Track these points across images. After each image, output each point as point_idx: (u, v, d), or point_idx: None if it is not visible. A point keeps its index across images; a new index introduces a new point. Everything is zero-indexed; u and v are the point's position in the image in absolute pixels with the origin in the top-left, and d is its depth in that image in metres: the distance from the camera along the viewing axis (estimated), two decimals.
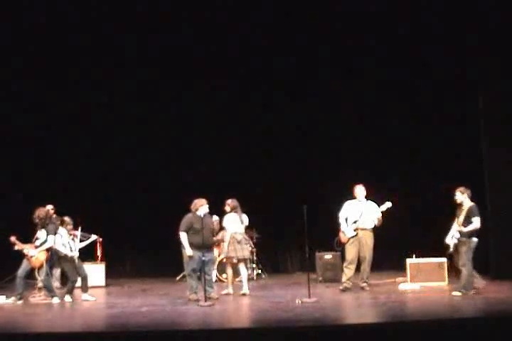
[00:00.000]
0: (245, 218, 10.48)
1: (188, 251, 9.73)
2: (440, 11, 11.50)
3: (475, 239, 9.50)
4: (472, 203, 9.58)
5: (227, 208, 10.47)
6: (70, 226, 10.29)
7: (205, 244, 9.57)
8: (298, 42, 12.38)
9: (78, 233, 10.52)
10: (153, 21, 12.05)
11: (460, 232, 9.46)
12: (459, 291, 9.46)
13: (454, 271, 10.38)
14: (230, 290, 10.43)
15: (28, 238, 10.14)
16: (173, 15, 12.03)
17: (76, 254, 10.23)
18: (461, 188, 9.63)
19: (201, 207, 9.79)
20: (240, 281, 10.65)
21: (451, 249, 9.64)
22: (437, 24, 11.68)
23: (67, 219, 10.28)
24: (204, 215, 9.72)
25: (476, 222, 9.43)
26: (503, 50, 11.29)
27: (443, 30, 11.74)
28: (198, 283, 9.71)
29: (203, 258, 9.58)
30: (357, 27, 12.04)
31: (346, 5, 11.71)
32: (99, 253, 11.89)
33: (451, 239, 9.62)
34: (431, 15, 11.63)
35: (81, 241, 10.65)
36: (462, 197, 9.59)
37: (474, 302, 9.00)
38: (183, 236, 9.77)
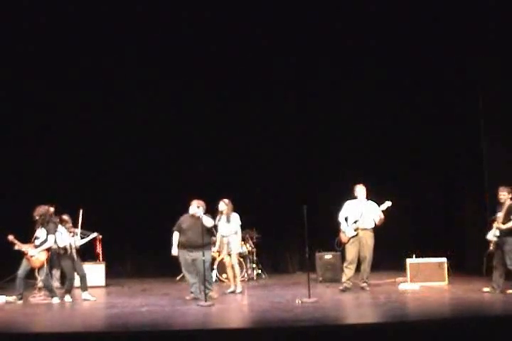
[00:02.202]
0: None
1: (172, 250, 9.95)
2: (440, 10, 11.50)
3: None
4: None
5: (227, 208, 10.53)
6: (69, 224, 10.29)
7: (188, 244, 9.68)
8: (298, 42, 12.37)
9: (78, 230, 10.52)
10: (153, 21, 12.05)
11: (499, 229, 9.48)
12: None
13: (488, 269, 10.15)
14: (234, 289, 10.59)
15: (27, 238, 10.15)
16: (173, 16, 12.03)
17: (78, 244, 10.25)
18: (504, 188, 9.64)
19: (190, 206, 9.85)
20: (242, 281, 10.75)
21: (491, 248, 9.61)
22: (437, 24, 11.69)
23: (65, 217, 10.29)
24: (193, 215, 9.72)
25: None
26: (503, 50, 11.29)
27: (443, 30, 11.74)
28: (194, 283, 9.74)
29: (190, 258, 9.65)
30: (357, 27, 12.04)
31: (346, 5, 11.71)
32: (98, 250, 11.89)
33: (492, 236, 9.61)
34: (431, 16, 11.63)
35: (81, 238, 10.66)
36: (507, 197, 9.59)
37: (474, 302, 9.00)
38: (174, 235, 9.97)
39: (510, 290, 9.49)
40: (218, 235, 10.70)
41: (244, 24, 12.21)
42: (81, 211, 10.71)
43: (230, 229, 10.59)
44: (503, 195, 9.61)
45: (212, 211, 10.24)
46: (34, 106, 12.73)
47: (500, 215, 9.55)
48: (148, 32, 12.21)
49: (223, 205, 10.57)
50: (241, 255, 12.08)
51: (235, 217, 10.63)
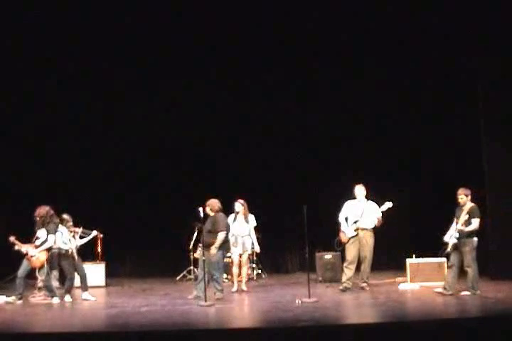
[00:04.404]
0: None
1: None
2: (440, 10, 11.49)
3: (476, 239, 9.54)
4: (473, 204, 9.60)
5: (243, 208, 10.83)
6: (70, 223, 10.30)
7: (203, 243, 9.78)
8: (298, 42, 12.36)
9: (79, 230, 10.53)
10: (153, 21, 12.04)
11: (460, 232, 9.48)
12: (468, 291, 9.47)
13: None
14: (238, 287, 10.71)
15: (28, 238, 10.15)
16: (173, 15, 12.03)
17: (79, 244, 10.25)
18: (463, 190, 9.63)
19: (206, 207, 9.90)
20: (240, 281, 10.84)
21: (449, 249, 9.62)
22: (437, 24, 11.68)
23: (66, 216, 10.30)
24: (207, 215, 9.74)
25: (475, 223, 9.46)
26: (503, 50, 11.29)
27: (443, 30, 11.73)
28: (201, 280, 9.73)
29: (203, 257, 9.67)
30: (357, 27, 12.03)
31: (346, 5, 11.70)
32: (99, 249, 11.90)
33: (449, 238, 9.64)
34: (431, 15, 11.62)
35: (81, 237, 10.65)
36: (466, 199, 9.62)
37: (474, 302, 9.01)
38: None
39: (464, 292, 9.49)
40: (229, 234, 10.75)
41: (245, 23, 12.18)
42: (80, 229, 10.66)
43: (246, 229, 10.88)
44: (461, 198, 9.60)
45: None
46: (34, 106, 12.72)
47: (462, 219, 9.48)
48: (148, 32, 12.19)
49: (239, 206, 10.87)
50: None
51: (252, 218, 10.97)
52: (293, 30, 12.13)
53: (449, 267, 9.69)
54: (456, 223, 9.63)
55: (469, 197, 9.63)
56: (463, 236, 9.48)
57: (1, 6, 11.06)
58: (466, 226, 9.46)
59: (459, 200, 9.64)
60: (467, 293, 9.46)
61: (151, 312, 8.73)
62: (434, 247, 11.47)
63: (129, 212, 13.09)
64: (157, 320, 8.09)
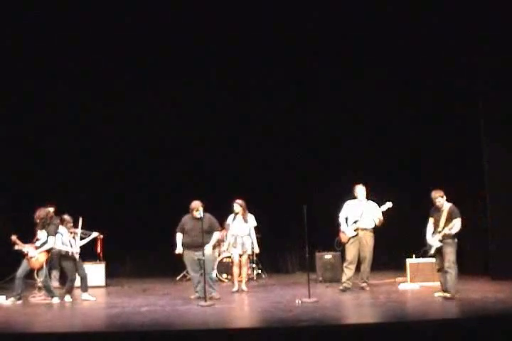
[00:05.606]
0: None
1: (177, 249, 9.97)
2: (440, 10, 11.50)
3: (456, 240, 9.46)
4: (450, 204, 9.49)
5: (241, 209, 10.78)
6: (70, 224, 10.30)
7: (192, 244, 9.71)
8: (298, 42, 12.36)
9: (78, 231, 10.53)
10: (153, 21, 12.04)
11: (445, 234, 9.34)
12: (447, 292, 9.31)
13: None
14: (239, 288, 10.73)
15: (28, 238, 10.15)
16: (173, 15, 12.02)
17: (77, 250, 10.24)
18: (438, 192, 9.47)
19: (192, 210, 9.86)
20: (240, 281, 10.83)
21: (432, 252, 9.52)
22: (437, 24, 11.68)
23: (66, 217, 10.30)
24: (201, 216, 9.74)
25: (459, 224, 9.35)
26: (503, 50, 11.29)
27: (443, 30, 11.73)
28: (199, 282, 9.73)
29: (196, 257, 9.62)
30: (357, 26, 12.03)
31: (346, 5, 11.70)
32: (99, 250, 11.91)
33: (432, 239, 9.50)
34: (431, 15, 11.62)
35: (82, 238, 10.65)
36: (443, 201, 9.50)
37: (474, 302, 9.00)
38: (177, 236, 10.02)
39: (444, 293, 9.39)
40: (229, 234, 10.78)
41: (245, 23, 12.17)
42: (80, 219, 10.66)
43: (246, 229, 10.84)
44: (439, 201, 9.41)
45: (209, 210, 10.22)
46: (34, 106, 12.72)
47: (443, 220, 9.34)
48: (148, 32, 12.18)
49: (237, 207, 10.83)
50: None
51: (251, 218, 10.92)
52: (293, 30, 12.13)
53: (438, 270, 9.62)
54: (435, 225, 9.49)
55: (445, 198, 9.51)
56: (449, 237, 9.37)
57: (1, 6, 11.05)
58: (451, 227, 9.33)
59: (438, 204, 9.44)
60: (447, 294, 9.23)
61: (151, 312, 8.73)
62: None
63: (129, 212, 13.10)
64: (157, 320, 8.09)
